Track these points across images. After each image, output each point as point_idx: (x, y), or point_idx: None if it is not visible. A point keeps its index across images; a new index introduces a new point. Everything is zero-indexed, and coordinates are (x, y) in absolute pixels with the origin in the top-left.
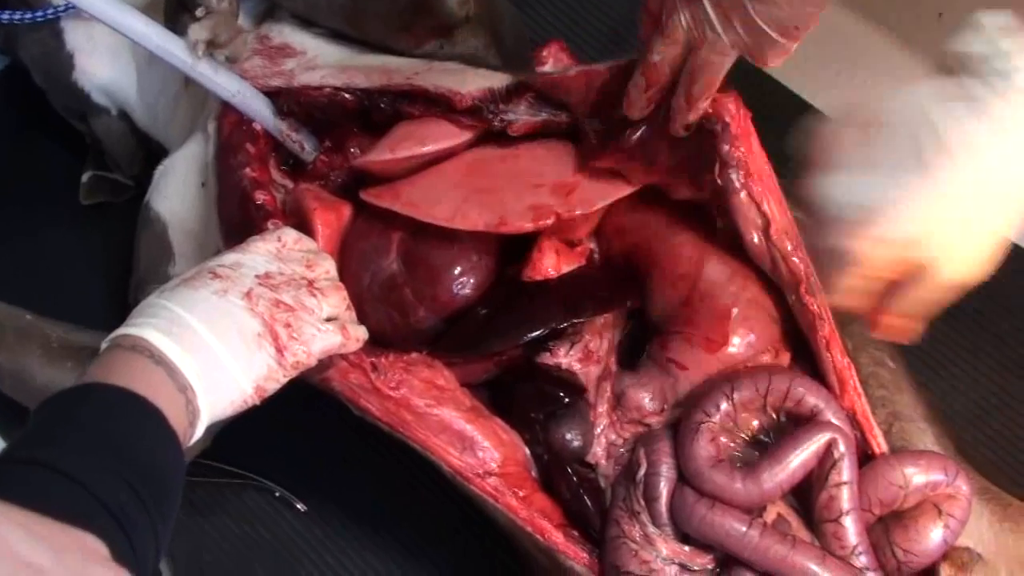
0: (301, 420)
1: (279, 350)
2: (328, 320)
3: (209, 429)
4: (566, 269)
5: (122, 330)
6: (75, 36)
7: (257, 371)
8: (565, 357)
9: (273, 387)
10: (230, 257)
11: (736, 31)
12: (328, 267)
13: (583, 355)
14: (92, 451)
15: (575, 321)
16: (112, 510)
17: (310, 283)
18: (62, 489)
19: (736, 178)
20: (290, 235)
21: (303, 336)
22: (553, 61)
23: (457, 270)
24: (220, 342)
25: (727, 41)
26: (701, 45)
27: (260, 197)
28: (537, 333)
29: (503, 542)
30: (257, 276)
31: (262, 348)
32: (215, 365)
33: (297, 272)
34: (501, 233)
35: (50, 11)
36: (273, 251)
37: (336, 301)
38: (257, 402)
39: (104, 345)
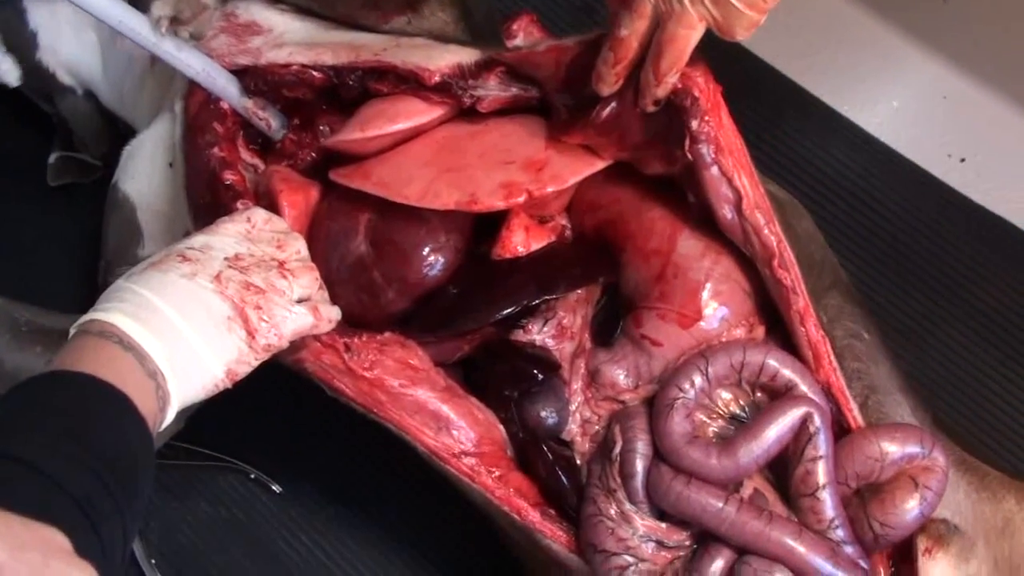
0: (275, 402)
1: (250, 333)
2: (300, 301)
3: (181, 412)
4: (536, 246)
5: (90, 315)
6: (38, 15)
7: (228, 354)
8: (539, 334)
9: (245, 370)
10: (199, 239)
11: (703, 3)
12: (299, 247)
13: (557, 331)
14: (59, 441)
15: (547, 298)
16: (78, 501)
17: (281, 264)
18: (27, 481)
19: (706, 153)
20: (260, 215)
21: (274, 318)
22: (524, 34)
23: (426, 251)
24: (190, 326)
25: (694, 14)
26: (668, 18)
27: (229, 177)
28: (510, 310)
29: (481, 521)
30: (227, 258)
31: (232, 331)
32: (185, 349)
33: (267, 253)
34: (472, 211)
35: None
36: (243, 232)
37: (307, 282)
38: (228, 385)
39: (72, 331)
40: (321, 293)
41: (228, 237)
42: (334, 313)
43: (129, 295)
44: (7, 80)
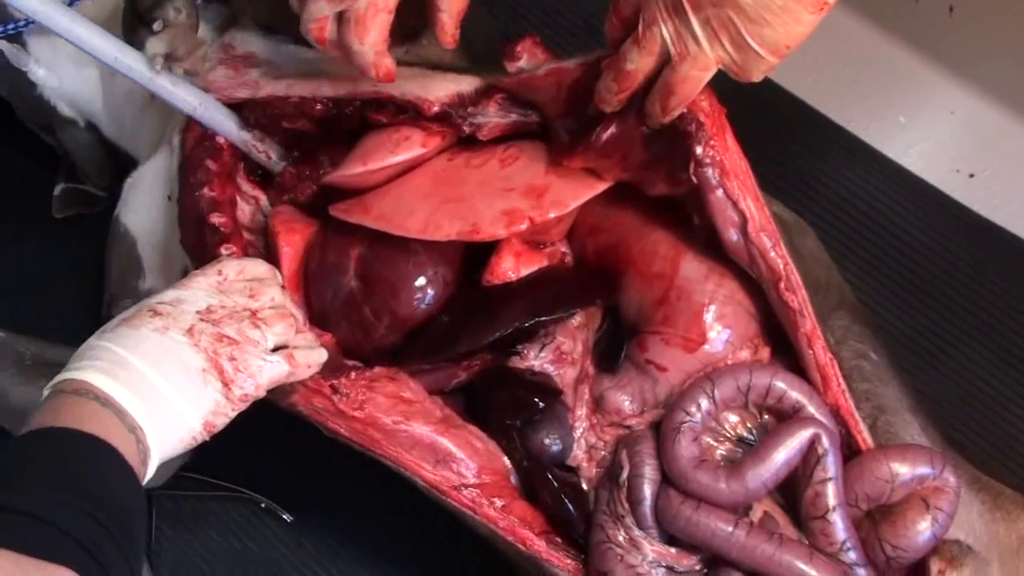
0: (284, 430)
1: (226, 384)
2: (276, 349)
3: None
4: (525, 271)
5: (64, 375)
6: (39, 49)
7: (205, 407)
8: (536, 359)
9: (222, 421)
10: (170, 294)
11: (724, 48)
12: (273, 294)
13: (555, 357)
14: (58, 492)
15: (541, 319)
16: (86, 547)
17: (253, 314)
18: (34, 530)
19: (711, 176)
20: (232, 266)
21: (249, 368)
22: (527, 56)
23: (414, 285)
24: (165, 380)
25: (711, 57)
26: (683, 60)
27: (215, 219)
28: (501, 332)
29: (488, 548)
30: (198, 311)
31: (208, 384)
32: (161, 404)
33: (240, 304)
34: (475, 241)
35: (10, 26)
36: (214, 284)
37: (281, 329)
38: (206, 437)
39: (46, 391)
40: (301, 337)
41: (199, 290)
42: (314, 357)
43: (102, 352)
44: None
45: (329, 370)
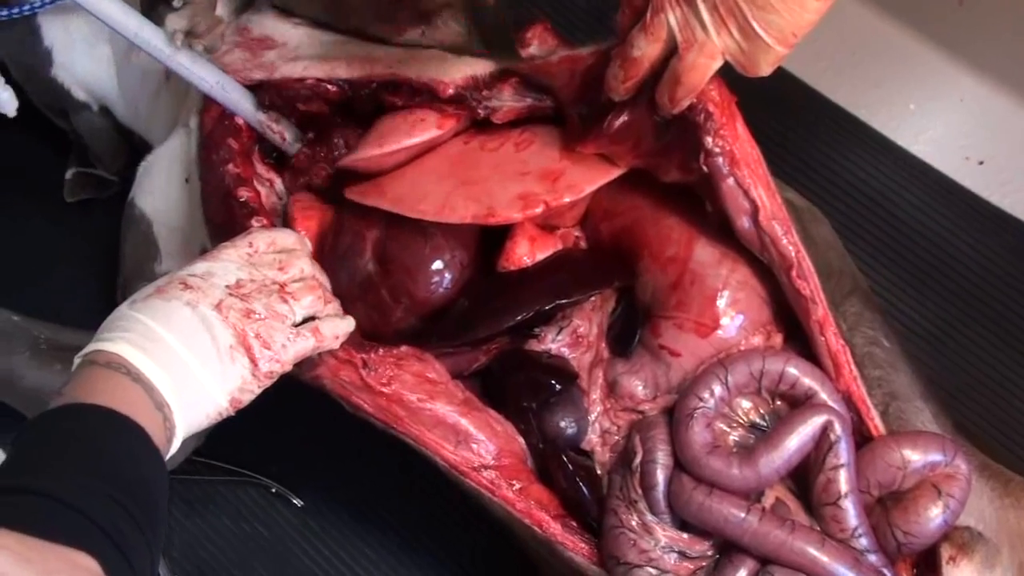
0: (295, 415)
1: (253, 361)
2: (305, 320)
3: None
4: (540, 256)
5: (95, 345)
6: (52, 32)
7: (231, 383)
8: (553, 342)
9: (248, 398)
10: (200, 266)
11: (731, 35)
12: (302, 266)
13: (572, 340)
14: (84, 475)
15: (561, 302)
16: (109, 532)
17: (282, 287)
18: (57, 515)
19: (722, 165)
20: (262, 238)
21: (275, 345)
22: (538, 42)
23: (431, 268)
24: (194, 356)
25: (719, 45)
26: (689, 47)
27: (243, 194)
28: (522, 316)
29: (499, 532)
30: (227, 286)
31: (236, 360)
32: (190, 380)
33: (268, 277)
34: (489, 224)
35: (26, 7)
36: (244, 257)
37: (309, 302)
38: (232, 413)
39: (77, 360)
40: (331, 306)
41: (229, 263)
42: (342, 328)
43: (133, 324)
44: (5, 110)
45: (354, 347)
